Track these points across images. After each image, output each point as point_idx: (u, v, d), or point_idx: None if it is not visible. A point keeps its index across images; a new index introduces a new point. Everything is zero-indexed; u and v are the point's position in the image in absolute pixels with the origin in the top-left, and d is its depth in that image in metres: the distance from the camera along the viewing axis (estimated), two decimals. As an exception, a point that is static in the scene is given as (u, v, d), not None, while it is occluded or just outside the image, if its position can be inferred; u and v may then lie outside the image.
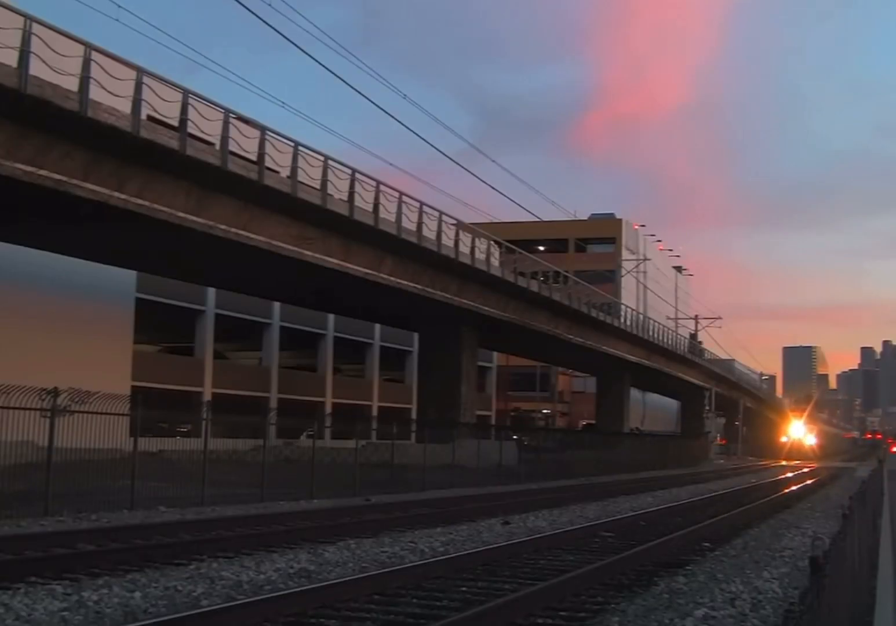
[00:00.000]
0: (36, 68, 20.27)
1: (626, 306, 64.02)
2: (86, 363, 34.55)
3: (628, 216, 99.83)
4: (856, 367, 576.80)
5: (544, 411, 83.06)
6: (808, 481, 38.47)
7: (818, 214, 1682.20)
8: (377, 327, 56.58)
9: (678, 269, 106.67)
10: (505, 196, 40.64)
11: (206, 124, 24.92)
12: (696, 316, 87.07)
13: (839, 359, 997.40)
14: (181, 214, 25.54)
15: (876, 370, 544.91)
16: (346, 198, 30.73)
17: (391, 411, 49.77)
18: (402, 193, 33.64)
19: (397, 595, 10.08)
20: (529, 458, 38.62)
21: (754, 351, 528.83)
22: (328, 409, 48.40)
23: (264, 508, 20.48)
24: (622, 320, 59.72)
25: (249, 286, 39.76)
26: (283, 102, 29.34)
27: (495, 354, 68.63)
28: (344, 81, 27.51)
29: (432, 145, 32.10)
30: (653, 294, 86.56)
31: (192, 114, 24.36)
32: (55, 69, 20.67)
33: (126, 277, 38.32)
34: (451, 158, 34.27)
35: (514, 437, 43.28)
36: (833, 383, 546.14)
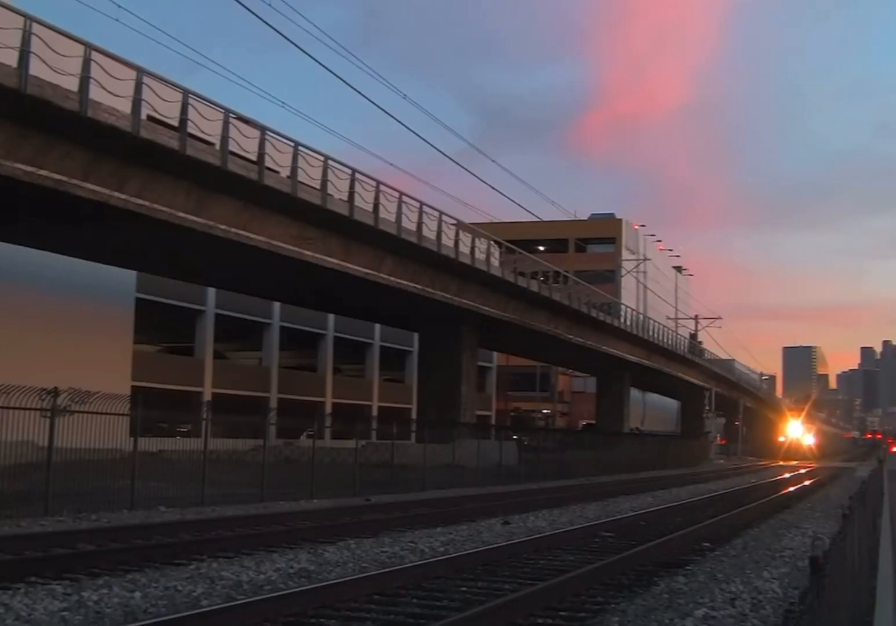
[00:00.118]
0: (36, 68, 20.27)
1: (626, 306, 64.01)
2: (86, 363, 34.55)
3: (628, 216, 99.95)
4: (856, 367, 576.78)
5: (544, 411, 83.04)
6: (807, 482, 38.45)
7: (818, 214, 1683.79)
8: (377, 327, 56.57)
9: (678, 269, 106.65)
10: (505, 196, 40.69)
11: (206, 124, 24.92)
12: (696, 316, 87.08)
13: (839, 359, 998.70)
14: (181, 214, 25.53)
15: (876, 370, 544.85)
16: (346, 198, 30.73)
17: (391, 411, 49.77)
18: (402, 193, 33.64)
19: (397, 595, 10.08)
20: (529, 458, 38.61)
21: (754, 351, 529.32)
22: (328, 409, 48.38)
23: (264, 508, 20.48)
24: (622, 319, 59.71)
25: (249, 286, 39.76)
26: (283, 102, 29.38)
27: (495, 354, 68.62)
28: (344, 81, 27.54)
29: (432, 145, 32.13)
30: (653, 294, 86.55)
31: (192, 114, 24.35)
32: (55, 69, 20.67)
33: (126, 277, 38.32)
34: (451, 158, 34.30)
35: (514, 437, 43.26)
36: (833, 383, 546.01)
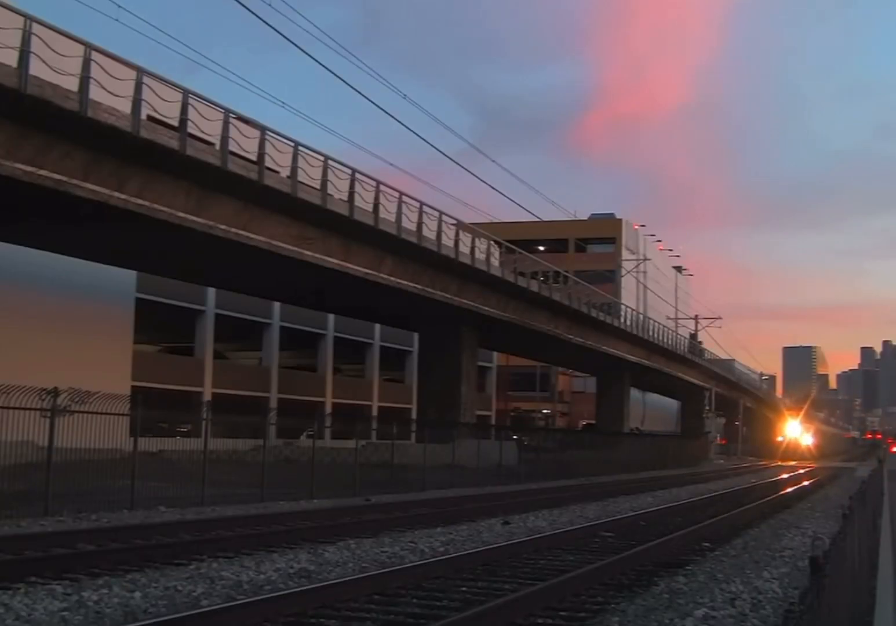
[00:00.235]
0: (36, 68, 20.27)
1: (626, 306, 64.01)
2: (86, 363, 34.55)
3: (628, 216, 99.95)
4: (856, 367, 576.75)
5: (544, 411, 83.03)
6: (806, 482, 38.45)
7: (818, 214, 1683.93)
8: (377, 327, 56.58)
9: (678, 269, 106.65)
10: (505, 196, 40.70)
11: (206, 124, 24.92)
12: (696, 316, 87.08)
13: (839, 359, 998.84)
14: (181, 214, 25.53)
15: (876, 370, 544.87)
16: (346, 198, 30.73)
17: (391, 411, 49.77)
18: (402, 193, 33.64)
19: (397, 595, 10.08)
20: (529, 458, 38.61)
21: (754, 351, 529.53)
22: (328, 409, 48.38)
23: (264, 508, 20.48)
24: (622, 319, 59.71)
25: (249, 286, 39.76)
26: (283, 102, 29.39)
27: (495, 354, 68.62)
28: (344, 81, 27.55)
29: (432, 145, 32.14)
30: (653, 294, 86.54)
31: (192, 114, 24.35)
32: (55, 69, 20.67)
33: (126, 277, 38.32)
34: (451, 158, 34.30)
35: (514, 437, 43.25)
36: (833, 383, 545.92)
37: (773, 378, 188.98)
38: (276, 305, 49.28)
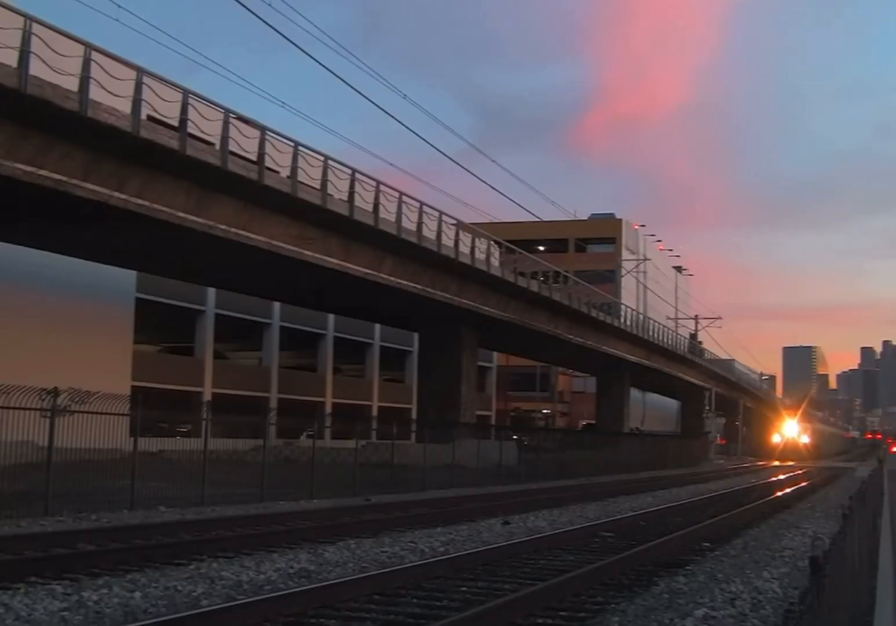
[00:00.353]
0: (36, 68, 20.27)
1: (626, 306, 64.01)
2: (86, 363, 34.55)
3: (628, 216, 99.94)
4: (856, 367, 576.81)
5: (544, 411, 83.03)
6: (804, 483, 38.43)
7: (818, 214, 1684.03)
8: (377, 327, 56.58)
9: (678, 269, 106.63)
10: (505, 196, 40.69)
11: (206, 124, 24.92)
12: (696, 316, 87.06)
13: (839, 359, 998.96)
14: (181, 214, 25.53)
15: (876, 370, 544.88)
16: (346, 198, 30.73)
17: (391, 411, 49.77)
18: (402, 193, 33.63)
19: (397, 595, 10.08)
20: (529, 458, 38.61)
21: (754, 351, 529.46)
22: (328, 409, 48.38)
23: (264, 508, 20.48)
24: (622, 319, 59.71)
25: (249, 286, 39.76)
26: (283, 102, 29.38)
27: (495, 354, 68.61)
28: (344, 81, 27.54)
29: (432, 145, 32.13)
30: (653, 294, 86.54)
31: (192, 114, 24.35)
32: (55, 69, 20.67)
33: (126, 277, 38.32)
34: (451, 158, 34.30)
35: (514, 437, 43.25)
36: (833, 383, 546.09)
37: (773, 378, 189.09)
38: (276, 305, 49.27)
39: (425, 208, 35.09)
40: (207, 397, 40.59)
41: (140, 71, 22.99)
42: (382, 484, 26.46)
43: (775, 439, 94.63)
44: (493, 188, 39.86)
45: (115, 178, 23.48)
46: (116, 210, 23.83)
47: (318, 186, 29.20)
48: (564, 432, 63.60)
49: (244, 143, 26.24)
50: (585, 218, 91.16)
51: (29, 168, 21.34)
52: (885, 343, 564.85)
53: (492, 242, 41.12)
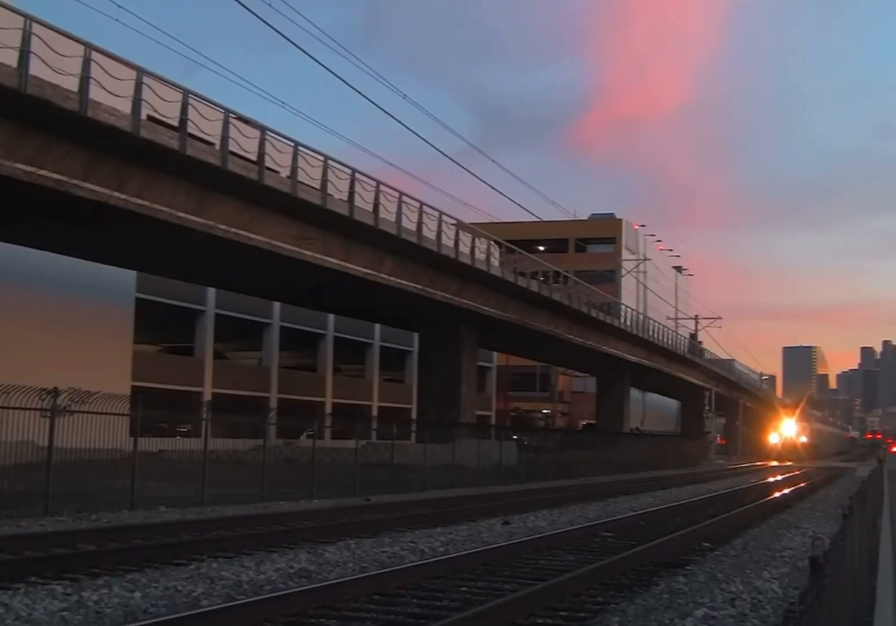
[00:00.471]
0: (36, 68, 20.27)
1: (626, 306, 64.00)
2: (86, 363, 34.54)
3: (628, 216, 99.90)
4: (856, 367, 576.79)
5: (544, 411, 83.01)
6: (804, 483, 38.42)
7: (818, 214, 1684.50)
8: (377, 327, 56.57)
9: (678, 269, 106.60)
10: (505, 196, 40.70)
11: (206, 124, 24.92)
12: (696, 316, 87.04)
13: (839, 359, 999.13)
14: (181, 214, 25.53)
15: (876, 370, 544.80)
16: (346, 198, 30.72)
17: (391, 411, 49.76)
18: (402, 193, 33.63)
19: (397, 595, 10.08)
20: (529, 458, 38.60)
21: (754, 351, 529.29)
22: (328, 409, 48.38)
23: (264, 508, 20.48)
24: (622, 319, 59.70)
25: (249, 286, 39.76)
26: (283, 102, 29.39)
27: (495, 354, 68.60)
28: (344, 81, 27.55)
29: (432, 145, 32.14)
30: (653, 294, 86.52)
31: (192, 114, 24.35)
32: (55, 69, 20.67)
33: (126, 277, 38.32)
34: (451, 158, 34.31)
35: (514, 437, 43.24)
36: (833, 383, 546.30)
37: (773, 378, 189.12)
38: (276, 305, 49.27)
39: (425, 208, 35.09)
40: (207, 397, 40.59)
41: (140, 71, 22.99)
42: (382, 484, 26.46)
43: (772, 438, 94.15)
44: (493, 188, 39.92)
45: (115, 178, 23.48)
46: (116, 210, 23.83)
47: (318, 186, 29.20)
48: (564, 432, 63.60)
49: (244, 143, 26.24)
50: (585, 218, 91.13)
51: (29, 168, 21.34)
52: (885, 343, 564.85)
53: (492, 242, 41.11)
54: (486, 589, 10.60)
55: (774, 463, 73.57)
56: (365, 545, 14.34)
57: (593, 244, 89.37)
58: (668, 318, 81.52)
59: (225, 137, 25.44)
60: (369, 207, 31.79)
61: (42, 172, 21.61)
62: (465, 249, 38.11)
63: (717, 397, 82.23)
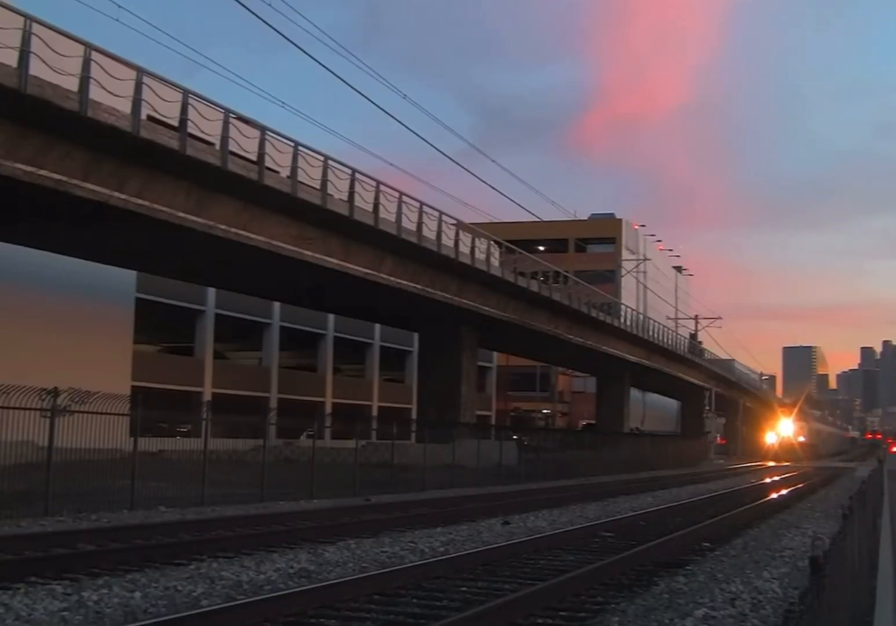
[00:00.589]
0: (36, 68, 20.27)
1: (626, 306, 64.00)
2: (86, 363, 34.54)
3: (628, 216, 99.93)
4: (856, 367, 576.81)
5: (544, 411, 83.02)
6: (802, 484, 38.40)
7: (818, 214, 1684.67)
8: (377, 327, 56.57)
9: (678, 269, 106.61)
10: (505, 196, 40.70)
11: (206, 124, 24.91)
12: (696, 316, 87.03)
13: (839, 359, 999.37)
14: (181, 214, 25.53)
15: (876, 370, 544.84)
16: (346, 198, 30.72)
17: (391, 411, 49.77)
18: (402, 193, 33.63)
19: (397, 595, 10.08)
20: (529, 458, 38.60)
21: (754, 351, 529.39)
22: (328, 409, 48.38)
23: (264, 508, 20.48)
24: (622, 319, 59.70)
25: (249, 286, 39.75)
26: (283, 102, 29.41)
27: (495, 354, 68.60)
28: (344, 81, 27.54)
29: (432, 145, 32.13)
30: (653, 294, 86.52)
31: (192, 114, 24.35)
32: (55, 69, 20.67)
33: (126, 277, 38.32)
34: (451, 158, 34.31)
35: (514, 437, 43.25)
36: (833, 383, 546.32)
37: (773, 378, 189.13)
38: (276, 305, 49.26)
39: (425, 208, 35.09)
40: (207, 397, 40.59)
41: (140, 71, 22.99)
42: (382, 484, 26.46)
43: (769, 438, 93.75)
44: (493, 188, 39.91)
45: (115, 178, 23.48)
46: (116, 210, 23.83)
47: (318, 186, 29.20)
48: (564, 432, 63.60)
49: (244, 143, 26.24)
50: (585, 218, 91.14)
51: (29, 168, 21.34)
52: (885, 343, 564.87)
53: (492, 242, 41.11)
54: (486, 589, 10.60)
55: (772, 464, 73.40)
56: (365, 545, 14.34)
57: (593, 244, 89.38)
58: (668, 318, 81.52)
59: (225, 137, 25.44)
60: (369, 207, 31.79)
61: (42, 172, 21.61)
62: (465, 249, 38.11)
63: (717, 397, 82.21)
